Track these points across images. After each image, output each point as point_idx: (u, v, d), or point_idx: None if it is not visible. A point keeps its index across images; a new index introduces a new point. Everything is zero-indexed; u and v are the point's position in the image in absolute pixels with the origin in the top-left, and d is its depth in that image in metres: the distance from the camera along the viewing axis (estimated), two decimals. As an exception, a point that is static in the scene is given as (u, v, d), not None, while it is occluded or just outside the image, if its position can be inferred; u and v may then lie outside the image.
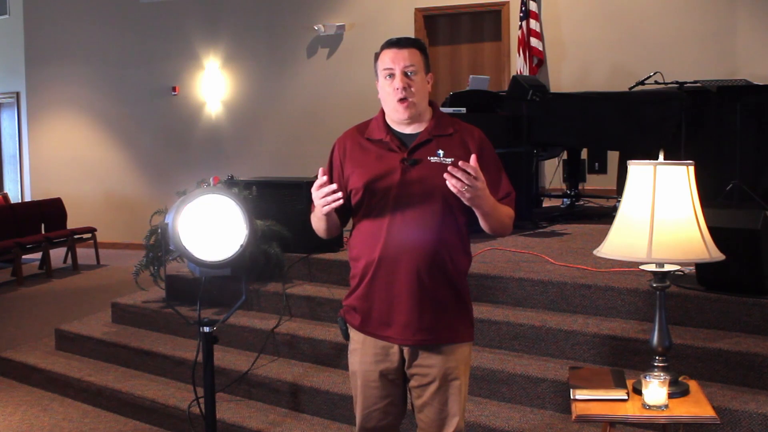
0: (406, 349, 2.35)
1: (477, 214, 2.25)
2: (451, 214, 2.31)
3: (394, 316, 2.31)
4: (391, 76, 2.28)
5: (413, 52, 2.30)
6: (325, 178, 2.20)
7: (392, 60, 2.28)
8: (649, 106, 5.75)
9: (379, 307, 2.33)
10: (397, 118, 2.33)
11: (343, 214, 2.45)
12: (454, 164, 2.24)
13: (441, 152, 2.30)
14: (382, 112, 2.40)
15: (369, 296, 2.34)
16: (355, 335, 2.43)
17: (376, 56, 2.36)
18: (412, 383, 2.39)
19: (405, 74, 2.28)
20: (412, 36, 8.63)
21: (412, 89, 2.28)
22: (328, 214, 2.29)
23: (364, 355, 2.40)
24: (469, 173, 2.09)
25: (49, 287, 8.14)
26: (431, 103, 2.41)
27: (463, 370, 2.38)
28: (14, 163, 11.54)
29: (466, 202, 2.18)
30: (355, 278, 2.39)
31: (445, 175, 2.10)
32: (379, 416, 2.42)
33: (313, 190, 2.21)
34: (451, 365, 2.34)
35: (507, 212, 2.35)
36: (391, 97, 2.29)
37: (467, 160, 2.30)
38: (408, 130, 2.35)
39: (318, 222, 2.39)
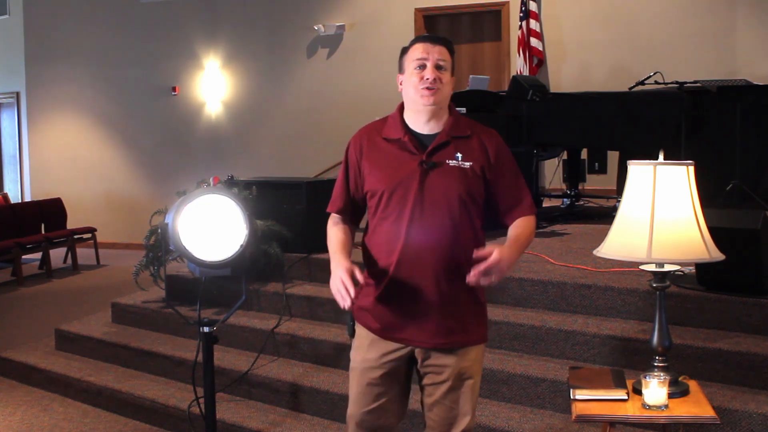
0: (418, 350, 2.34)
1: None
2: (468, 218, 2.30)
3: (412, 319, 2.30)
4: (422, 66, 2.28)
5: (445, 50, 2.31)
6: (358, 277, 2.20)
7: (426, 51, 2.29)
8: (649, 106, 5.75)
9: (396, 309, 2.32)
10: (421, 104, 2.30)
11: (356, 215, 2.45)
12: (473, 168, 2.27)
13: (459, 155, 2.30)
14: (399, 111, 2.39)
15: (385, 298, 2.33)
16: (362, 332, 2.42)
17: (404, 50, 2.36)
18: (425, 381, 2.38)
19: (437, 66, 2.28)
20: (411, 37, 8.64)
21: (442, 82, 2.28)
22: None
23: (368, 353, 2.38)
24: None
25: (49, 287, 8.14)
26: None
27: (476, 370, 2.37)
28: (14, 163, 11.54)
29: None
30: (370, 279, 2.37)
31: (471, 280, 2.12)
32: (375, 415, 2.41)
33: (345, 278, 2.19)
34: (465, 365, 2.33)
35: (529, 235, 2.33)
36: (417, 85, 2.28)
37: (486, 163, 2.31)
38: (425, 130, 2.33)
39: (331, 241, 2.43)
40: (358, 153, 2.38)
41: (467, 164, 2.29)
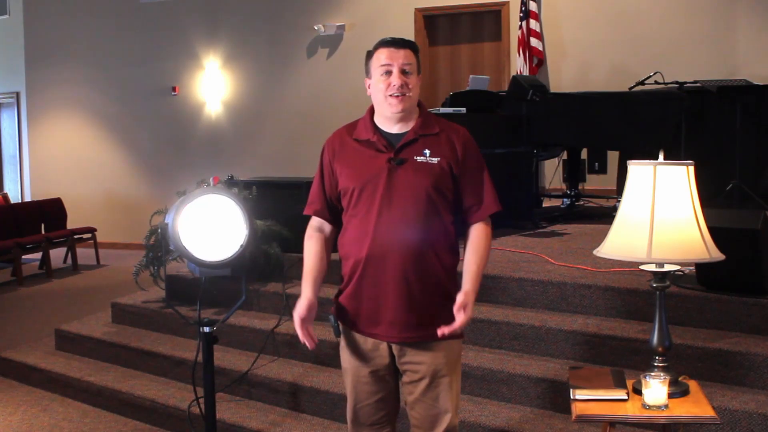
0: (394, 346, 2.38)
1: None
2: (436, 213, 2.33)
3: (382, 314, 2.34)
4: (388, 73, 2.32)
5: (409, 53, 2.34)
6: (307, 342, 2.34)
7: (390, 57, 2.32)
8: (649, 106, 5.75)
9: (367, 305, 2.36)
10: (390, 112, 2.34)
11: (334, 215, 2.48)
12: (441, 164, 2.31)
13: (427, 152, 2.33)
14: (370, 113, 2.44)
15: (357, 294, 2.38)
16: (345, 332, 2.46)
17: (369, 54, 2.39)
18: (404, 379, 2.42)
19: (403, 72, 2.31)
20: (411, 37, 8.68)
21: (409, 86, 2.32)
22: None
23: (354, 351, 2.43)
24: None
25: (49, 287, 8.14)
26: (418, 103, 2.44)
27: (452, 367, 2.40)
28: (14, 163, 11.54)
29: None
30: (344, 276, 2.43)
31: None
32: (370, 411, 2.45)
33: (299, 329, 2.34)
34: (440, 362, 2.36)
35: (485, 254, 2.41)
36: (385, 93, 2.32)
37: (453, 159, 2.35)
38: (395, 129, 2.38)
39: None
40: (330, 155, 2.44)
41: (435, 160, 2.32)
